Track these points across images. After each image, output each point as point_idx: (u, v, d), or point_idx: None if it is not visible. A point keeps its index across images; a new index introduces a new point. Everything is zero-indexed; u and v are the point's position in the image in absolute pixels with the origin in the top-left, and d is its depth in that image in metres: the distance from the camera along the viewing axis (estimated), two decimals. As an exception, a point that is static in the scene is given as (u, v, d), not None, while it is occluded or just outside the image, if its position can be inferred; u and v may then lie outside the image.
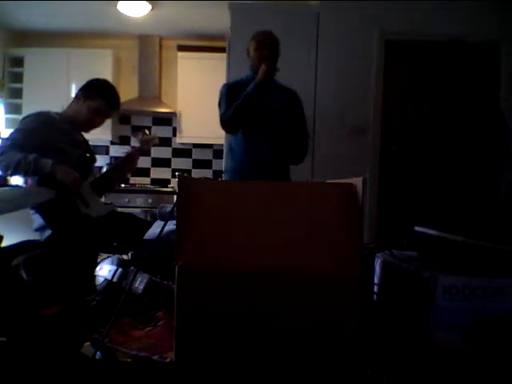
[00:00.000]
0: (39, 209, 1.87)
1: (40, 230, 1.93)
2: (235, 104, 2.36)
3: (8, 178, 4.54)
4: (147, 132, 2.53)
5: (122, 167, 2.31)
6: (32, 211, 1.96)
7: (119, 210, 2.51)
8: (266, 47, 2.44)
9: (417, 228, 0.90)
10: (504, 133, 2.80)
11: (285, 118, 2.52)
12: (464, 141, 2.80)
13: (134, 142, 4.86)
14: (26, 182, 2.06)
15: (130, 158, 2.30)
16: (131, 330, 0.83)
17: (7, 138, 1.89)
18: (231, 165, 2.58)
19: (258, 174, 2.44)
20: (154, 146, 2.46)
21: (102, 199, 2.28)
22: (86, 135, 2.24)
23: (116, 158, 4.65)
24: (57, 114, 2.11)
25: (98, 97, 2.08)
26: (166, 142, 4.79)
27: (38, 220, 1.94)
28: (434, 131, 2.87)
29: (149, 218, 3.85)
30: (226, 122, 2.44)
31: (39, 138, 1.92)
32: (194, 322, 0.62)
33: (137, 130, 4.78)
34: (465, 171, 2.79)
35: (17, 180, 4.50)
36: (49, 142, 1.93)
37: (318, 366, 0.63)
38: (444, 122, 2.83)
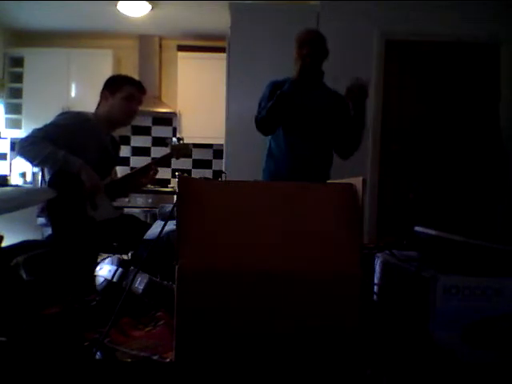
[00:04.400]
0: (46, 207, 1.88)
1: (44, 226, 1.94)
2: (269, 104, 2.26)
3: (8, 178, 4.55)
4: (181, 139, 2.45)
5: (138, 178, 2.30)
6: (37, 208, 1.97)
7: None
8: (306, 45, 2.31)
9: (417, 228, 0.90)
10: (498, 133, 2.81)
11: (331, 122, 2.42)
12: (464, 143, 2.81)
13: (135, 142, 4.86)
14: (42, 179, 2.06)
15: (145, 171, 2.30)
16: (131, 329, 0.83)
17: (39, 129, 1.90)
18: (269, 168, 2.48)
19: (298, 178, 2.32)
20: (185, 157, 2.39)
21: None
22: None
23: (116, 157, 4.64)
24: (93, 115, 2.12)
25: (125, 85, 2.11)
26: (165, 142, 4.79)
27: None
28: (433, 133, 2.87)
29: (149, 218, 3.85)
30: (259, 123, 2.34)
31: (69, 137, 1.93)
32: (194, 322, 0.62)
33: (139, 130, 4.79)
34: (464, 173, 2.80)
35: (17, 180, 4.51)
36: (77, 142, 1.94)
37: (318, 366, 0.63)
38: (443, 123, 2.84)
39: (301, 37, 2.37)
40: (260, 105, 2.38)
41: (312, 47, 2.32)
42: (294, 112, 2.31)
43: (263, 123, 2.32)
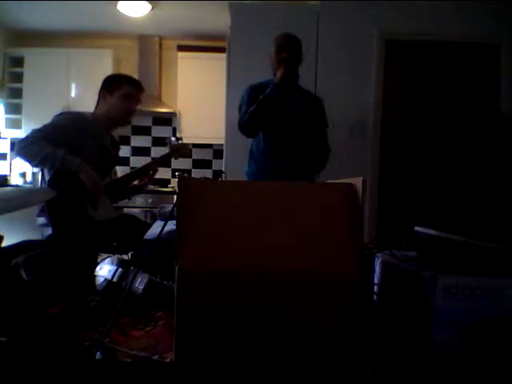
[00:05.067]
0: (46, 206, 1.88)
1: (44, 226, 1.94)
2: (251, 108, 2.32)
3: (8, 178, 4.55)
4: (180, 139, 2.46)
5: (137, 178, 2.30)
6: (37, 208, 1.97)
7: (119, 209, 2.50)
8: (285, 50, 2.38)
9: (417, 228, 0.90)
10: (506, 133, 2.81)
11: (308, 124, 2.46)
12: (465, 143, 2.80)
13: (135, 142, 4.86)
14: (42, 179, 2.06)
15: (145, 171, 2.29)
16: (131, 329, 0.83)
17: (38, 130, 1.90)
18: (251, 169, 2.52)
19: (280, 178, 2.36)
20: (184, 156, 2.39)
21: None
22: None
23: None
24: (92, 114, 2.12)
25: (123, 84, 2.12)
26: (165, 141, 4.80)
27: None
28: (434, 134, 2.87)
29: (149, 218, 3.85)
30: (243, 127, 2.39)
31: (68, 137, 1.93)
32: (194, 321, 0.62)
33: (139, 130, 4.79)
34: (468, 174, 2.80)
35: (17, 180, 4.51)
36: (76, 143, 1.94)
37: (317, 365, 0.63)
38: (444, 124, 2.84)
39: (278, 41, 2.43)
40: (240, 108, 2.42)
41: (290, 52, 2.38)
42: (275, 116, 2.36)
43: (246, 127, 2.38)
